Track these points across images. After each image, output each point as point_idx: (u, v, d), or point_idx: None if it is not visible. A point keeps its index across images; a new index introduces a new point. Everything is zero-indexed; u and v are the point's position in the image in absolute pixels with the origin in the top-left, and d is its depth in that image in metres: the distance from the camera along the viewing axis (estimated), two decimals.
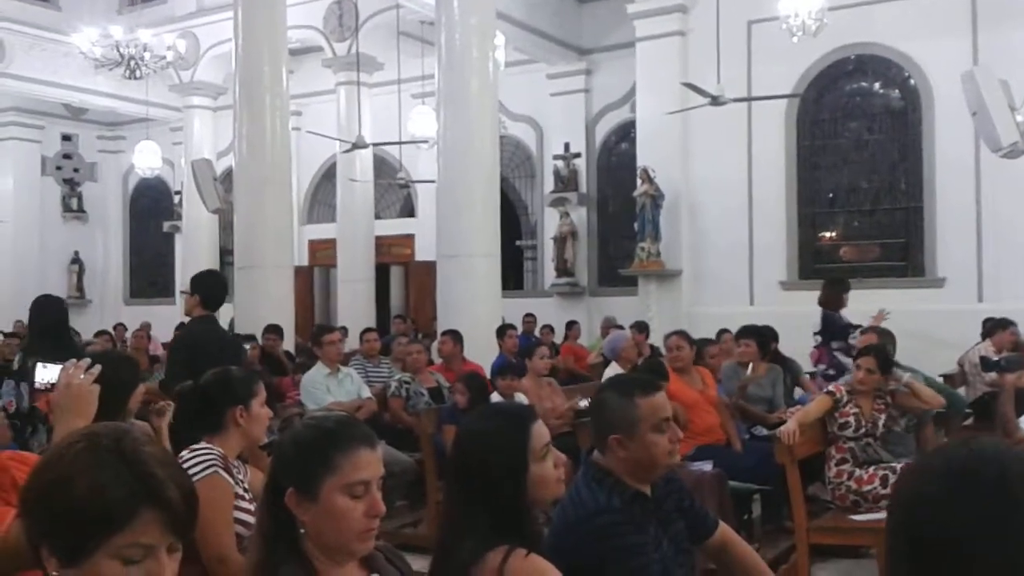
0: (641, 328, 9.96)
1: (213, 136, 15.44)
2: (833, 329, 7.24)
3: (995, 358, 5.40)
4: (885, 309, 7.30)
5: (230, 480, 2.82)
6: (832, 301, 7.42)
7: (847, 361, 6.56)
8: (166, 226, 18.06)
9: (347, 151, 13.07)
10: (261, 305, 9.41)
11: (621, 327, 10.00)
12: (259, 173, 9.62)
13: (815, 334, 7.42)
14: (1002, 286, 9.84)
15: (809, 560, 4.52)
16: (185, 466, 2.74)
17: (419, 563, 2.26)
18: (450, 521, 2.12)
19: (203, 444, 2.89)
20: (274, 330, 8.72)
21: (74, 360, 2.25)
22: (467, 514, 2.03)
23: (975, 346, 7.84)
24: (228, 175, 11.95)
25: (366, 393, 6.55)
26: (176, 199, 17.25)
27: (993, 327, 7.94)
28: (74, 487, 1.20)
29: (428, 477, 5.67)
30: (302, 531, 1.72)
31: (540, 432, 2.08)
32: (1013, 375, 4.70)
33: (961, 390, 7.36)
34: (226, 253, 14.99)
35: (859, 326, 6.81)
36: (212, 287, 5.10)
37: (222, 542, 2.67)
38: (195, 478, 2.72)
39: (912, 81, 11.25)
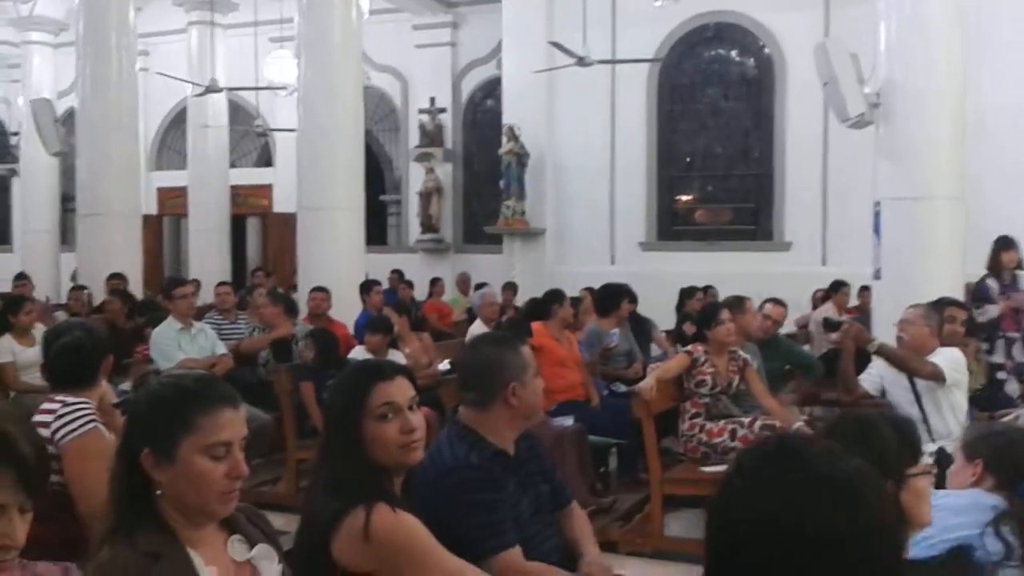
0: (511, 288, 10.30)
1: (54, 74, 14.41)
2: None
3: (837, 319, 5.70)
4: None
5: (109, 435, 2.72)
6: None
7: None
8: (2, 169, 16.87)
9: (199, 95, 12.49)
10: (106, 256, 8.98)
11: (484, 284, 10.06)
12: (103, 115, 9.19)
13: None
14: (844, 250, 10.40)
15: (662, 510, 4.68)
16: (65, 419, 2.66)
17: (279, 521, 2.23)
18: (313, 479, 2.10)
19: (75, 398, 2.77)
20: (118, 277, 8.33)
21: None
22: (325, 471, 2.04)
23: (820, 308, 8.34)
24: (71, 116, 11.20)
25: (221, 350, 6.29)
26: (13, 140, 16.09)
27: (830, 289, 8.54)
28: None
29: (287, 435, 5.54)
30: (158, 492, 1.63)
31: (384, 391, 2.03)
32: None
33: (806, 347, 7.77)
34: (68, 199, 14.12)
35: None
36: None
37: (101, 497, 2.56)
38: (76, 432, 2.65)
39: (767, 51, 11.66)
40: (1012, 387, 6.40)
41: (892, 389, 4.50)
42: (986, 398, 5.62)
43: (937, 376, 4.28)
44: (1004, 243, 6.70)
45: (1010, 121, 9.75)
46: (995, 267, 6.63)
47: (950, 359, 4.35)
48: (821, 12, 10.99)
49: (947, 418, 4.26)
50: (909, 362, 4.35)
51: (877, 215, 6.55)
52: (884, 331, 5.78)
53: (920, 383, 4.36)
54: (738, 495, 1.08)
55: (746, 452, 1.16)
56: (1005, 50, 9.68)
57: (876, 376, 4.58)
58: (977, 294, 6.63)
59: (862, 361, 5.04)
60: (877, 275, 6.53)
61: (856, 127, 6.80)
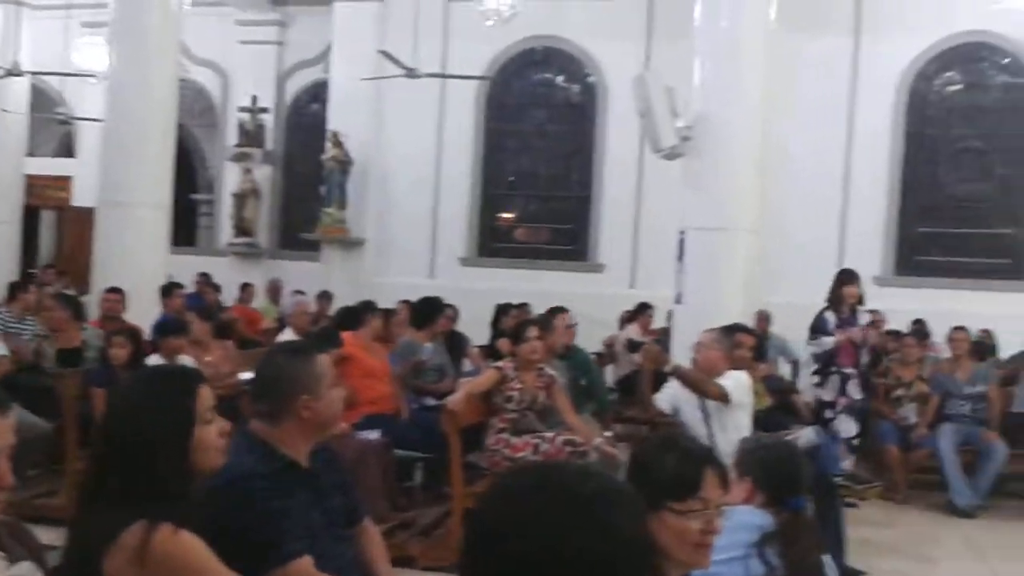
0: (326, 297, 10.18)
1: None
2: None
3: (639, 340, 5.95)
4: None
5: None
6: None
7: None
8: None
9: None
10: None
11: (300, 292, 9.83)
12: None
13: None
14: (653, 274, 10.86)
15: (463, 524, 4.70)
16: None
17: (51, 535, 2.08)
18: (89, 492, 1.96)
19: None
20: None
21: None
22: (110, 484, 1.91)
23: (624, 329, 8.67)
24: None
25: (1, 351, 5.83)
26: None
27: (636, 311, 8.91)
28: None
29: (68, 444, 5.17)
30: None
31: (206, 395, 2.03)
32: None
33: (610, 367, 8.06)
34: None
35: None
36: None
37: None
38: None
39: (591, 78, 12.06)
40: (845, 425, 6.37)
41: (684, 408, 4.75)
42: (771, 420, 5.97)
43: (723, 397, 4.55)
44: (847, 277, 6.59)
45: (812, 156, 10.48)
46: (835, 300, 6.53)
47: (737, 381, 4.63)
48: (643, 44, 11.46)
49: (731, 438, 4.52)
50: (699, 383, 4.60)
51: (681, 243, 6.89)
52: (683, 353, 6.09)
53: (709, 403, 4.62)
54: (491, 517, 1.05)
55: (503, 475, 1.13)
56: (811, 88, 10.39)
57: (670, 395, 4.82)
58: (815, 326, 6.53)
59: (664, 381, 5.28)
60: (679, 300, 6.86)
61: (668, 158, 7.14)
